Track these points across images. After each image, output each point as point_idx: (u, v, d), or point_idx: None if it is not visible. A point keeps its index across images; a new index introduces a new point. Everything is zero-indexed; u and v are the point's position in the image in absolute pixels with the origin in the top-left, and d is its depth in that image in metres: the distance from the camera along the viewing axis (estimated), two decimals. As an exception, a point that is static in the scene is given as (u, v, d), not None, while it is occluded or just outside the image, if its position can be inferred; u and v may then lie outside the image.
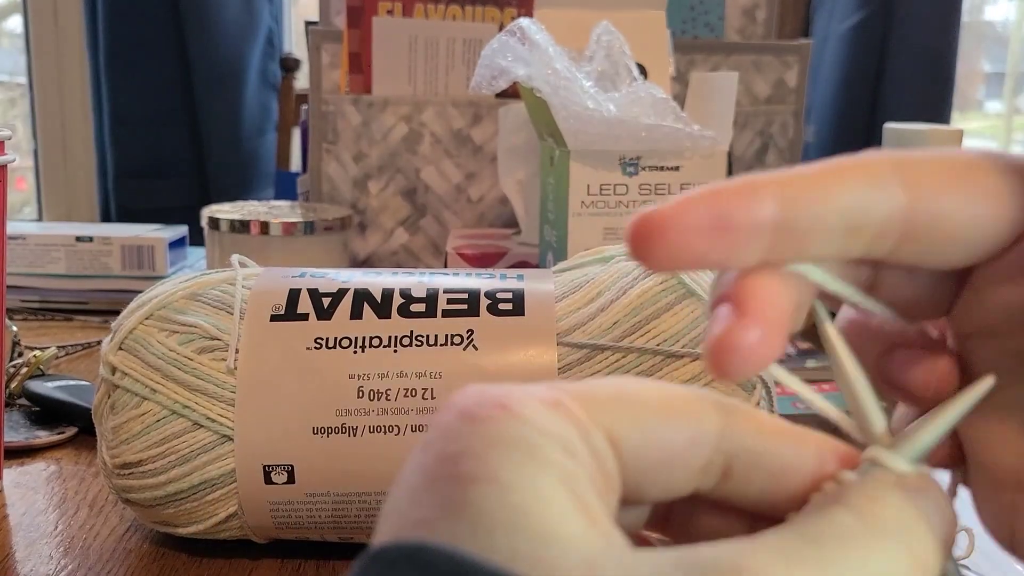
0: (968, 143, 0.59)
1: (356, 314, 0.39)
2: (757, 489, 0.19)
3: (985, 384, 0.20)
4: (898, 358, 0.22)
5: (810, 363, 0.63)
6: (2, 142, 0.45)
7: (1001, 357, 0.21)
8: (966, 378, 0.21)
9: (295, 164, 1.52)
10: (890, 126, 0.62)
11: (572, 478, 0.16)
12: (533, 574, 0.15)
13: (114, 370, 0.39)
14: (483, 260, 0.67)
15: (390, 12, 0.80)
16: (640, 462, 0.18)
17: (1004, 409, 0.21)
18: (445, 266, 0.70)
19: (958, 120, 1.69)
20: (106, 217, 1.58)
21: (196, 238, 0.87)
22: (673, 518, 0.21)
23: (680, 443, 0.18)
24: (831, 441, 0.19)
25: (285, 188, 1.30)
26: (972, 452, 0.21)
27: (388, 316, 0.39)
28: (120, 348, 0.39)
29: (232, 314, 0.39)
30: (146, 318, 0.40)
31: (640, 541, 0.21)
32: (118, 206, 1.55)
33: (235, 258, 0.43)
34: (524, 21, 0.55)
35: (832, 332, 0.20)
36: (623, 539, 0.16)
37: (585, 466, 0.17)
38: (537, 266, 0.66)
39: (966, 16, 1.47)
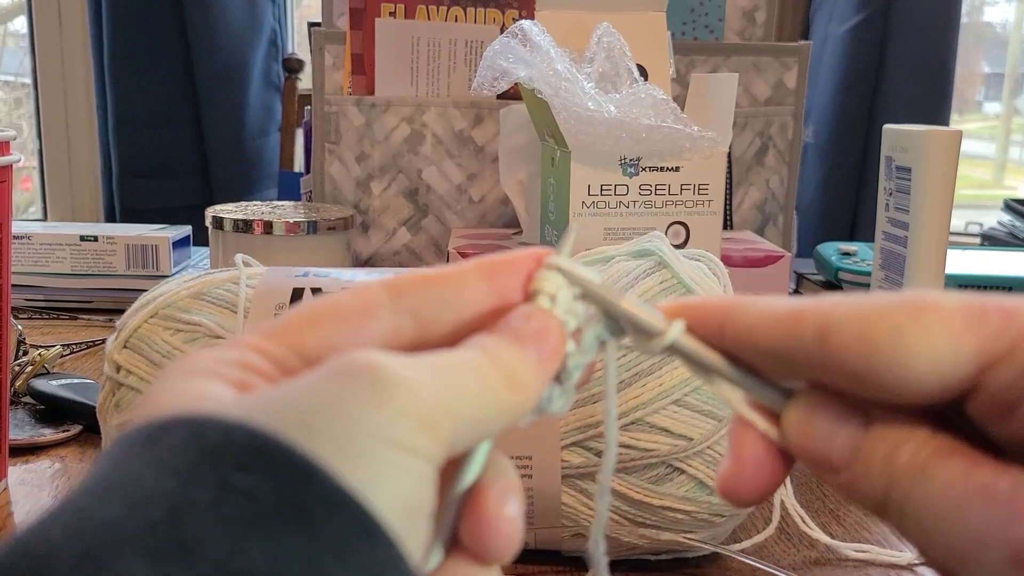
0: (967, 144, 0.59)
1: (358, 313, 0.39)
2: (455, 325, 0.22)
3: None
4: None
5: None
6: (7, 142, 0.45)
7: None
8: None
9: (298, 164, 1.53)
10: (889, 127, 0.62)
11: (242, 381, 0.20)
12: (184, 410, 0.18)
13: (119, 368, 0.40)
14: (484, 260, 0.68)
15: (392, 14, 0.80)
16: (326, 354, 0.20)
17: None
18: (447, 266, 0.70)
19: (957, 121, 1.69)
20: (110, 217, 1.59)
21: (199, 238, 0.88)
22: None
23: (351, 327, 0.21)
24: (491, 261, 0.23)
25: (288, 188, 1.30)
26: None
27: (390, 315, 0.39)
28: (125, 346, 0.40)
29: (236, 313, 0.40)
30: (151, 317, 0.40)
31: None
32: (122, 206, 1.56)
33: (239, 257, 0.43)
34: (525, 23, 0.56)
35: None
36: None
37: (262, 371, 0.20)
38: (538, 266, 0.66)
39: (965, 17, 1.48)
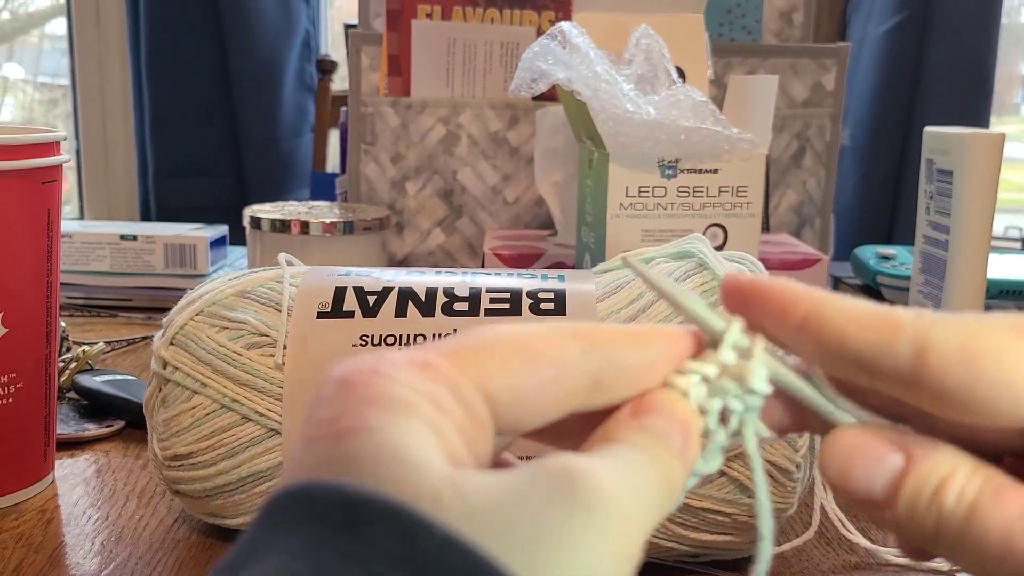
0: (1005, 147, 0.58)
1: (401, 312, 0.40)
2: (626, 391, 0.21)
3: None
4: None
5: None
6: (57, 143, 0.46)
7: None
8: None
9: (331, 165, 1.54)
10: (931, 130, 0.61)
11: (438, 426, 0.18)
12: (399, 493, 0.16)
13: (165, 364, 0.40)
14: (520, 261, 0.68)
15: (429, 15, 0.80)
16: (510, 400, 0.20)
17: None
18: (483, 266, 0.71)
19: (994, 124, 1.67)
20: (145, 215, 1.61)
21: (233, 237, 0.89)
22: (563, 433, 0.22)
23: (543, 377, 0.20)
24: (672, 330, 0.22)
25: (320, 188, 1.31)
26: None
27: (432, 315, 0.40)
28: (171, 343, 0.41)
29: (280, 311, 0.40)
30: (197, 314, 0.41)
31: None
32: (157, 204, 1.58)
33: (283, 256, 0.44)
34: (565, 25, 0.56)
35: (641, 268, 0.24)
36: (479, 469, 0.19)
37: (453, 416, 0.19)
38: (573, 267, 0.66)
39: (1003, 18, 1.46)
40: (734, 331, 0.22)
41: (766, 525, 0.21)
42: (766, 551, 0.21)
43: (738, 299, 0.23)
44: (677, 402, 0.21)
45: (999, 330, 0.20)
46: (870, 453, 0.21)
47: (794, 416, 0.23)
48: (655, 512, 0.19)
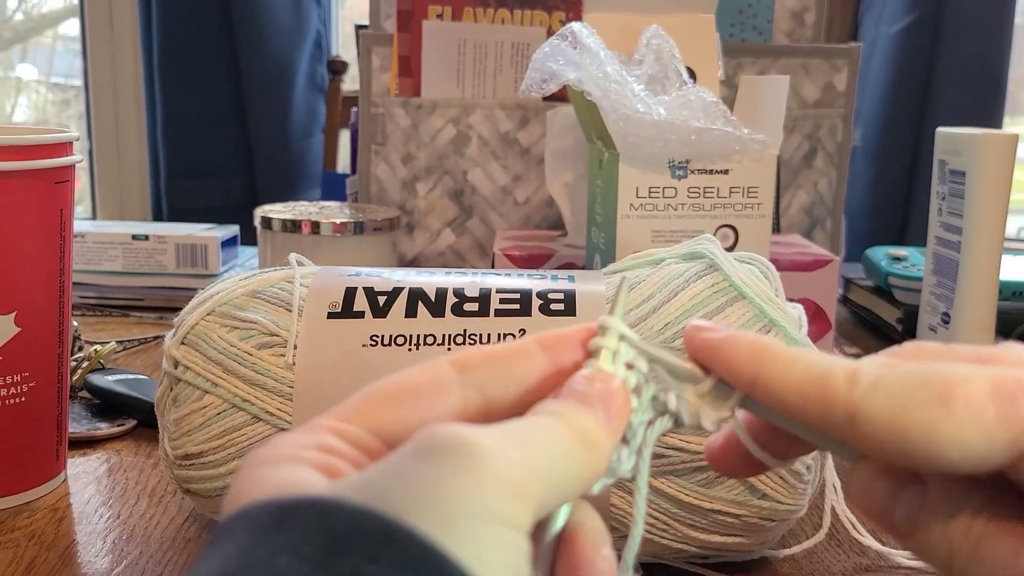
0: (1018, 148, 0.58)
1: (411, 312, 0.40)
2: (516, 398, 0.23)
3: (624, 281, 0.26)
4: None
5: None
6: (70, 143, 0.46)
7: None
8: None
9: (341, 165, 1.54)
10: (943, 130, 0.61)
11: (327, 464, 0.20)
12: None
13: (177, 364, 0.40)
14: (530, 261, 0.68)
15: (439, 16, 0.81)
16: (401, 428, 0.22)
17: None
18: (493, 267, 0.71)
19: (1007, 124, 1.66)
20: (157, 215, 1.62)
21: (244, 237, 0.89)
22: None
23: (426, 402, 0.22)
24: (550, 335, 0.24)
25: (331, 189, 1.32)
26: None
27: (442, 315, 0.40)
28: (183, 343, 0.41)
29: (291, 311, 0.40)
30: (208, 314, 0.41)
31: None
32: (169, 205, 1.58)
33: (293, 256, 0.44)
34: (576, 25, 0.56)
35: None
36: None
37: (343, 453, 0.21)
38: (583, 268, 0.66)
39: (1016, 18, 1.45)
40: (706, 384, 0.24)
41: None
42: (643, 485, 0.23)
43: (695, 355, 0.24)
44: (595, 374, 0.23)
45: (926, 404, 0.21)
46: (889, 484, 0.23)
47: (800, 441, 0.25)
48: (564, 460, 0.20)
